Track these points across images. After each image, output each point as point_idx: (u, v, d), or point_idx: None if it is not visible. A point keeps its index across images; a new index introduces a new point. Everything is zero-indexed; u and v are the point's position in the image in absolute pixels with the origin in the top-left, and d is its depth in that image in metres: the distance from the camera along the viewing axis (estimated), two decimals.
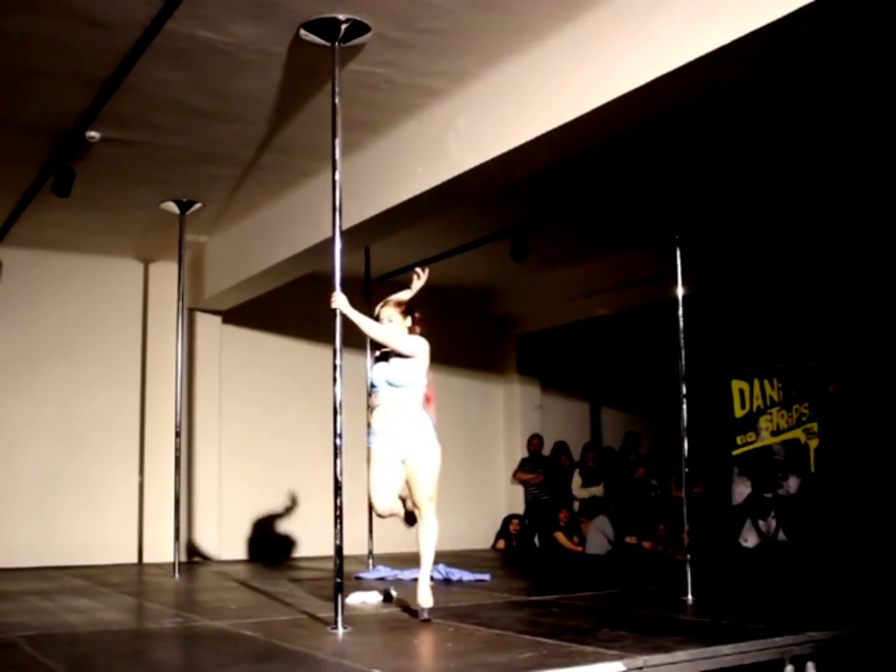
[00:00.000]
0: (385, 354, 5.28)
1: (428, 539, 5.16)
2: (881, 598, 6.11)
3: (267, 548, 10.18)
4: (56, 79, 5.89)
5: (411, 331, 5.28)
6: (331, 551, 4.96)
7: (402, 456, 5.15)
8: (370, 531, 8.21)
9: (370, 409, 5.29)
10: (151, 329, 10.07)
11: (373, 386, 5.27)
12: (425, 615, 5.08)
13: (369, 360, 5.06)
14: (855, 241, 8.89)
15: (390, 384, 5.17)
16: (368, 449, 5.23)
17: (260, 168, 7.53)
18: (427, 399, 5.39)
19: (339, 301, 5.02)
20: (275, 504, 10.27)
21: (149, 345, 10.08)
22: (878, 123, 6.62)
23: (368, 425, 5.36)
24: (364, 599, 5.95)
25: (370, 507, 7.89)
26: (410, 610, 5.37)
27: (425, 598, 5.12)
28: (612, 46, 5.01)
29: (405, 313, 5.27)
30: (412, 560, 5.77)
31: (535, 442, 11.74)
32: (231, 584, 7.49)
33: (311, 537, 9.53)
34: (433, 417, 5.37)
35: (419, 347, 5.20)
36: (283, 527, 10.22)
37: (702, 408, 7.76)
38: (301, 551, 9.82)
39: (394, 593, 6.10)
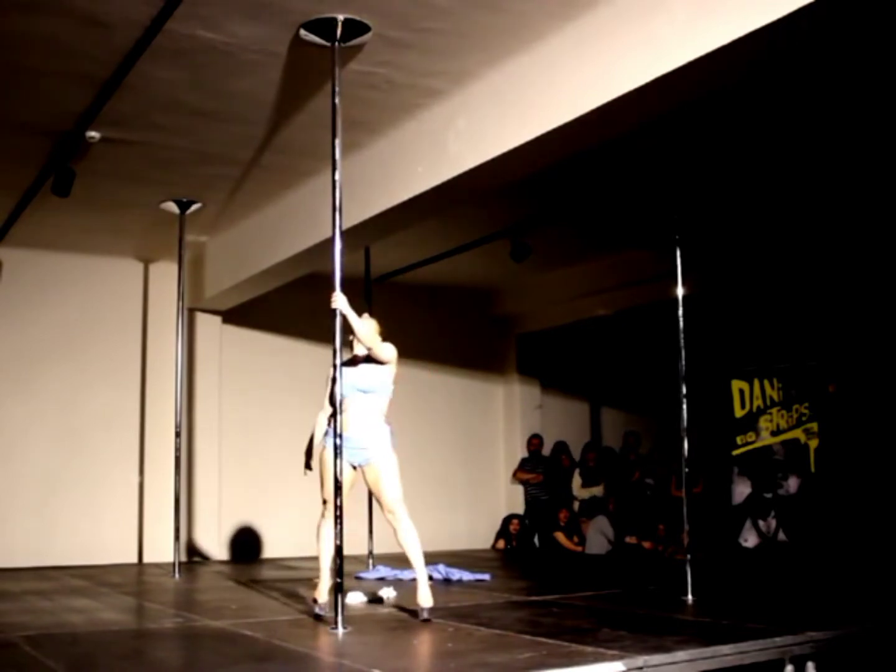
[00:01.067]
0: (352, 361, 5.33)
1: (410, 540, 5.19)
2: (881, 598, 6.12)
3: (266, 547, 10.19)
4: (56, 79, 5.90)
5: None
6: None
7: (359, 461, 5.21)
8: (370, 531, 8.22)
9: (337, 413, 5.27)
10: (151, 329, 10.07)
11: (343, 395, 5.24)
12: (425, 615, 5.08)
13: (339, 358, 5.05)
14: (855, 242, 8.89)
15: (360, 390, 5.22)
16: (323, 448, 5.26)
17: (260, 168, 7.53)
18: None
19: (340, 301, 5.03)
20: (274, 504, 10.27)
21: (149, 345, 10.07)
22: (878, 123, 6.62)
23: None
24: (353, 600, 5.91)
25: (370, 506, 7.99)
26: (410, 610, 5.37)
27: (425, 598, 5.12)
28: (612, 46, 5.01)
29: (378, 332, 5.41)
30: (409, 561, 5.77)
31: (534, 442, 11.75)
32: (231, 584, 7.49)
33: (311, 537, 9.49)
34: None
35: (393, 358, 5.32)
36: (283, 526, 10.21)
37: (702, 408, 7.76)
38: (301, 551, 9.80)
39: (385, 595, 6.10)
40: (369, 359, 5.28)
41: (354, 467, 5.24)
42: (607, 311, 10.78)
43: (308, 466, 5.40)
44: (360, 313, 5.25)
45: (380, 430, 5.25)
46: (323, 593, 5.26)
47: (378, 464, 5.19)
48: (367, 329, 5.22)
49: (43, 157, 7.15)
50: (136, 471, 9.92)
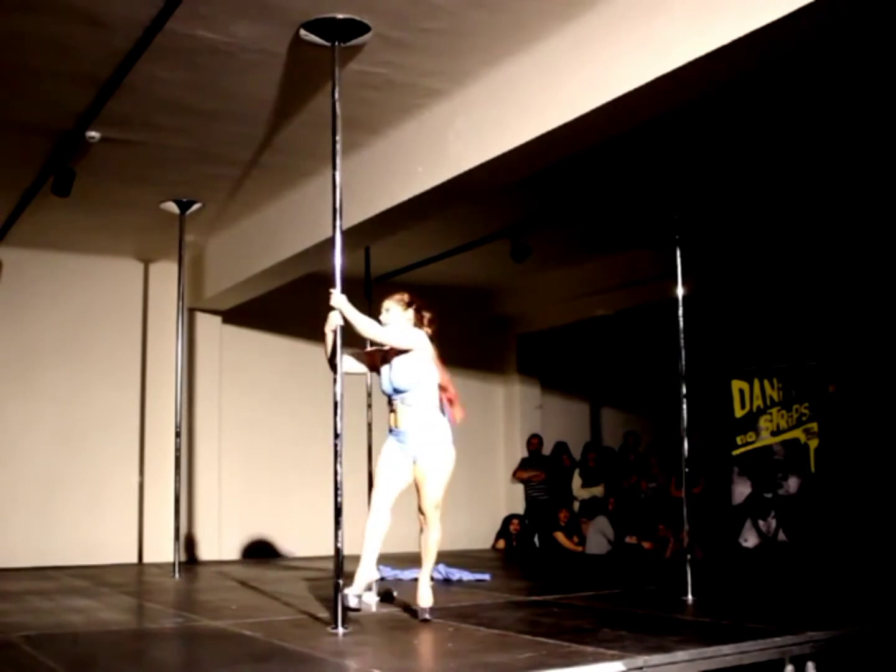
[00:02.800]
0: (385, 357, 5.16)
1: (432, 545, 5.13)
2: (881, 598, 6.11)
3: (266, 547, 10.19)
4: (56, 79, 5.90)
5: (418, 323, 5.17)
6: (331, 551, 4.96)
7: (413, 456, 5.09)
8: None
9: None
10: (151, 329, 10.07)
11: (386, 394, 5.17)
12: (425, 615, 5.07)
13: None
14: (854, 241, 8.89)
15: (396, 391, 5.08)
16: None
17: (260, 168, 7.53)
18: (450, 402, 5.18)
19: (338, 300, 4.98)
20: (274, 504, 10.28)
21: (149, 345, 10.08)
22: (878, 123, 6.62)
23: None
24: (367, 600, 5.90)
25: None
26: (410, 610, 5.36)
27: (425, 598, 5.12)
28: (612, 46, 5.01)
29: (407, 305, 5.18)
30: (412, 560, 5.77)
31: (534, 442, 11.74)
32: (231, 584, 7.49)
33: (311, 537, 9.52)
34: (460, 416, 5.20)
35: (415, 340, 5.07)
36: (283, 527, 10.21)
37: (702, 408, 7.76)
38: (301, 551, 9.82)
39: (394, 593, 6.09)
40: (399, 353, 5.07)
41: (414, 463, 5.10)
42: (607, 311, 10.78)
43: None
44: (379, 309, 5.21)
45: (431, 425, 5.06)
46: (358, 584, 5.01)
47: (426, 463, 5.06)
48: (369, 324, 5.02)
49: (43, 157, 7.15)
50: (136, 471, 9.92)
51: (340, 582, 4.78)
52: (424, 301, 5.29)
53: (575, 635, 4.46)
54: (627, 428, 12.18)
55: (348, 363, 5.17)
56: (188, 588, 7.52)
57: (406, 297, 5.24)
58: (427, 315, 5.23)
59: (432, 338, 5.21)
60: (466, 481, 11.46)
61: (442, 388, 5.16)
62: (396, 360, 5.10)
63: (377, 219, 6.97)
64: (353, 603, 4.90)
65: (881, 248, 8.86)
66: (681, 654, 4.01)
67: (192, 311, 10.01)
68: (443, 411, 5.17)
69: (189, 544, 9.86)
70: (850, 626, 4.83)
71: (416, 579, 5.32)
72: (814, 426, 10.03)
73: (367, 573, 5.06)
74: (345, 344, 5.05)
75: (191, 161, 7.38)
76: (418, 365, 5.07)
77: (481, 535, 11.34)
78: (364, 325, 5.01)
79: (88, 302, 9.95)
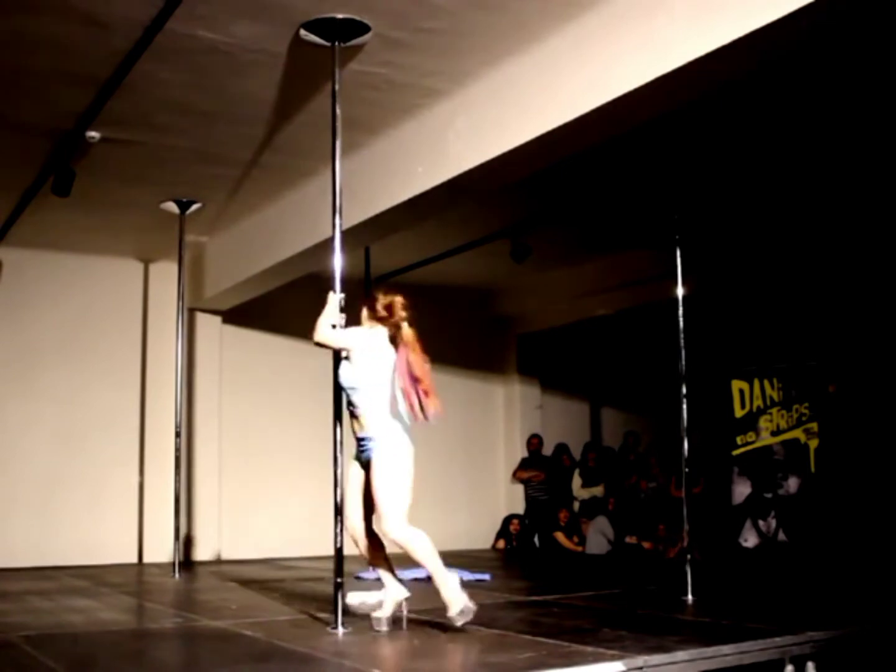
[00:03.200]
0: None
1: (421, 559, 4.70)
2: (881, 598, 6.11)
3: (266, 547, 10.18)
4: (56, 79, 5.90)
5: (387, 314, 4.87)
6: (330, 551, 4.96)
7: (364, 459, 4.81)
8: None
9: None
10: (151, 329, 10.07)
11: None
12: (458, 622, 4.62)
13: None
14: (855, 242, 8.89)
15: (344, 389, 4.84)
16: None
17: (260, 168, 7.53)
18: (425, 393, 4.74)
19: (329, 298, 4.95)
20: (274, 504, 10.27)
21: (149, 345, 10.08)
22: (879, 123, 6.62)
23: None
24: (363, 599, 5.87)
25: None
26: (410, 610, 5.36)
27: (455, 606, 4.65)
28: (612, 46, 5.01)
29: (362, 303, 4.96)
30: (411, 560, 5.76)
31: (534, 442, 11.74)
32: (231, 584, 7.49)
33: (310, 537, 9.52)
34: (434, 409, 4.72)
35: (348, 340, 4.83)
36: (283, 526, 10.21)
37: (702, 408, 7.76)
38: (301, 551, 9.81)
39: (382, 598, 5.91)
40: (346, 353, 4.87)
41: (363, 467, 4.83)
42: (607, 311, 10.78)
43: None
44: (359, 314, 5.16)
45: (376, 430, 4.72)
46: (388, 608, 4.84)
47: (372, 471, 4.71)
48: (319, 327, 4.83)
49: (43, 157, 7.15)
50: (136, 471, 9.92)
51: (340, 581, 4.79)
52: (389, 289, 4.99)
53: (575, 635, 4.47)
54: (627, 428, 12.18)
55: None
56: (188, 588, 7.52)
57: (370, 298, 4.96)
58: (397, 301, 4.88)
59: (412, 323, 4.88)
60: (466, 481, 11.50)
61: (416, 380, 4.75)
62: (343, 360, 4.90)
63: (377, 219, 6.97)
64: (385, 628, 4.77)
65: (881, 248, 8.86)
66: (681, 654, 4.01)
67: (192, 311, 10.00)
68: (401, 412, 4.77)
69: (189, 544, 9.86)
70: (850, 626, 4.83)
71: (415, 579, 5.30)
72: (814, 426, 10.04)
73: (395, 593, 4.87)
74: None
75: (191, 161, 7.39)
76: (357, 364, 4.78)
77: (481, 535, 11.34)
78: (316, 326, 4.87)
79: (88, 302, 9.95)
